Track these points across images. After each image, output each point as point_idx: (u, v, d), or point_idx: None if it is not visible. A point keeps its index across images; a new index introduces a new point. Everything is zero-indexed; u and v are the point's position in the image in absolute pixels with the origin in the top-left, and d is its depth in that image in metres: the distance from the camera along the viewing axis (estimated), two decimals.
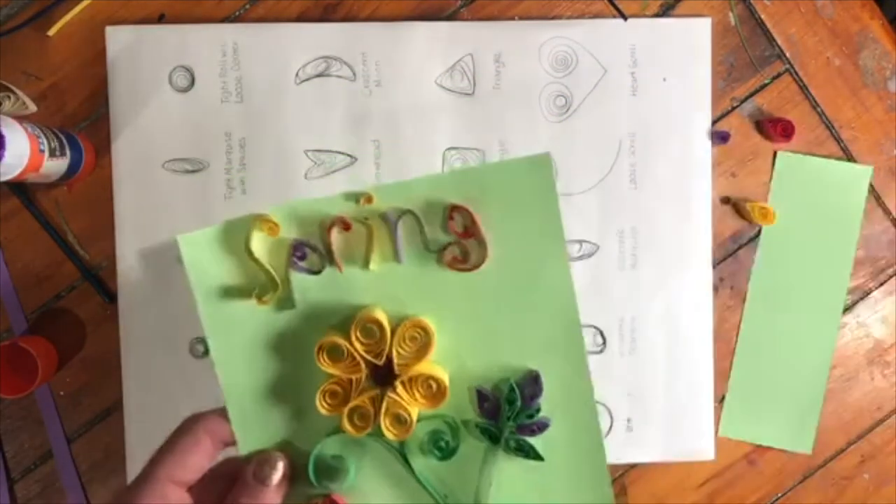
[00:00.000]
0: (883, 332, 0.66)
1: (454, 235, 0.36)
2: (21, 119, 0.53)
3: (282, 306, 0.36)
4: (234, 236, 0.36)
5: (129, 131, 0.61)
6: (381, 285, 0.37)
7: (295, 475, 0.37)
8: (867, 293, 0.65)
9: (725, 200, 0.64)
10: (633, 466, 0.64)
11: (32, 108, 0.60)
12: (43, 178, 0.56)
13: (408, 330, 0.36)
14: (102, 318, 0.62)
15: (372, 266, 0.36)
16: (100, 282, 0.62)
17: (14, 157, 0.51)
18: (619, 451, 0.64)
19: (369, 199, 0.36)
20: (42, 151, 0.53)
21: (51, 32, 0.60)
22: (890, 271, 0.65)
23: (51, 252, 0.61)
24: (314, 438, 0.37)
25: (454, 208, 0.36)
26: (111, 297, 0.62)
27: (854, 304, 0.65)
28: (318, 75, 0.62)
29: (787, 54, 0.64)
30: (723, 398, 0.65)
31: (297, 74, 0.61)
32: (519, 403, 0.36)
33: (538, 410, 0.37)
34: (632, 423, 0.64)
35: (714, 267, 0.64)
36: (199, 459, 0.35)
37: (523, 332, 0.37)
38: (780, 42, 0.64)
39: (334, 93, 0.62)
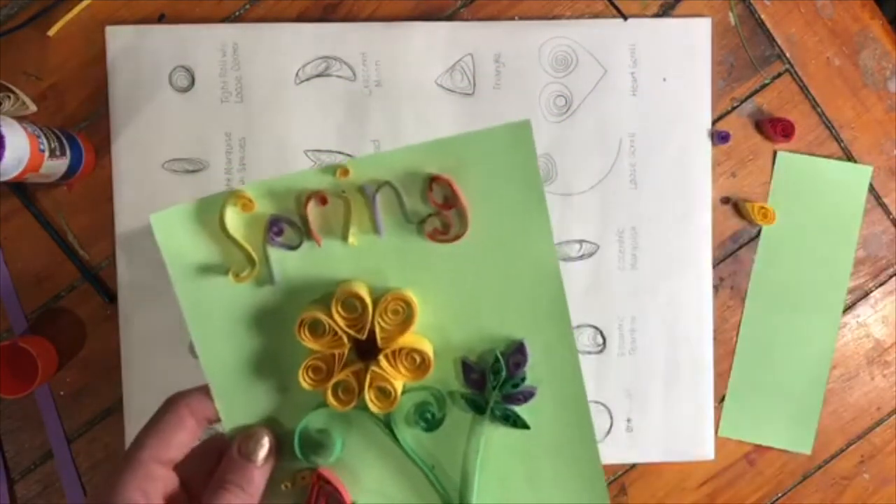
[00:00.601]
0: (883, 332, 0.66)
1: (434, 207, 0.35)
2: (21, 119, 0.53)
3: (261, 282, 0.36)
4: (209, 214, 0.35)
5: (129, 131, 0.61)
6: (361, 259, 0.36)
7: (281, 450, 0.36)
8: (867, 293, 0.65)
9: (725, 200, 0.64)
10: (633, 466, 0.64)
11: (32, 108, 0.60)
12: (43, 178, 0.56)
13: (390, 303, 0.35)
14: (102, 318, 0.62)
15: (351, 239, 0.35)
16: (100, 282, 0.62)
17: (14, 157, 0.51)
18: (619, 451, 0.64)
19: (345, 172, 0.35)
20: (42, 151, 0.53)
21: (51, 32, 0.60)
22: (890, 271, 0.65)
23: (51, 252, 0.61)
24: (299, 413, 0.36)
25: (434, 179, 0.35)
26: (111, 297, 0.62)
27: (854, 304, 0.65)
28: (318, 75, 0.62)
29: (787, 54, 0.64)
30: (723, 398, 0.64)
31: (297, 74, 0.61)
32: (504, 373, 0.36)
33: (523, 379, 0.36)
34: (632, 423, 0.64)
35: (714, 267, 0.64)
36: (182, 438, 0.35)
37: (507, 302, 0.36)
38: (780, 42, 0.64)
39: (334, 93, 0.62)
